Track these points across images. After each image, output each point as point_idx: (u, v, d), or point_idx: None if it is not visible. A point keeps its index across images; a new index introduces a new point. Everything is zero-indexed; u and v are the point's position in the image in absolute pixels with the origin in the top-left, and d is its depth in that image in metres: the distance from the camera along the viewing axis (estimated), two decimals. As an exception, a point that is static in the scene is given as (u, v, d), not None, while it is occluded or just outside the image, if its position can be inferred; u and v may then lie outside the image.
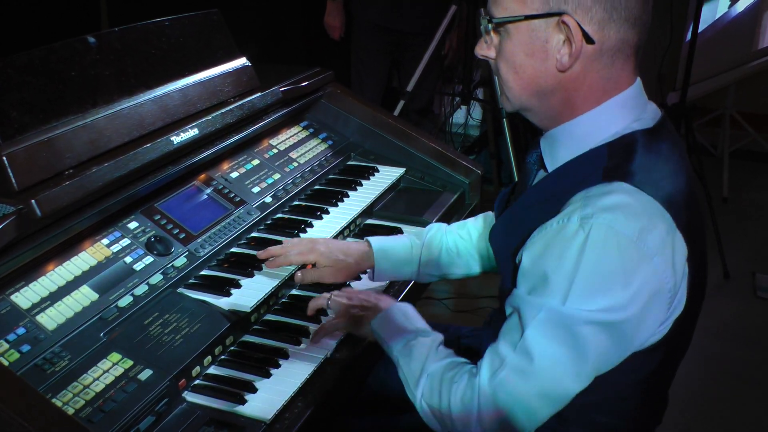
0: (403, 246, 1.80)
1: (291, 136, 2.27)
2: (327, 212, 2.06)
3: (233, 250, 1.85)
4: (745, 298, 3.81)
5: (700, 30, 3.87)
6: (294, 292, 1.83)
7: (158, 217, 1.76)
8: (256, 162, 2.09)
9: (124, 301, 1.55)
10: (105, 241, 1.63)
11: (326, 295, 1.68)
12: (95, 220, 1.62)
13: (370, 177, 2.28)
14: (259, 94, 2.06)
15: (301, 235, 1.94)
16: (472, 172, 2.34)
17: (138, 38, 1.85)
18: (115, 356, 1.43)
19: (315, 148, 2.29)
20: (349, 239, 2.04)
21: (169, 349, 1.48)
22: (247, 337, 1.65)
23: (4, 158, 1.45)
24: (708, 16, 4.29)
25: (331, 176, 2.26)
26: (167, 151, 1.74)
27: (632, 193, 1.22)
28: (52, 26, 3.48)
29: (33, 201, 1.43)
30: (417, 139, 2.35)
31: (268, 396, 1.46)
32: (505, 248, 1.40)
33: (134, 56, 1.82)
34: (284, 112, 2.20)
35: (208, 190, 1.91)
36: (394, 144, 2.37)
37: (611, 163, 1.27)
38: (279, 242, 1.81)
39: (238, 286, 1.70)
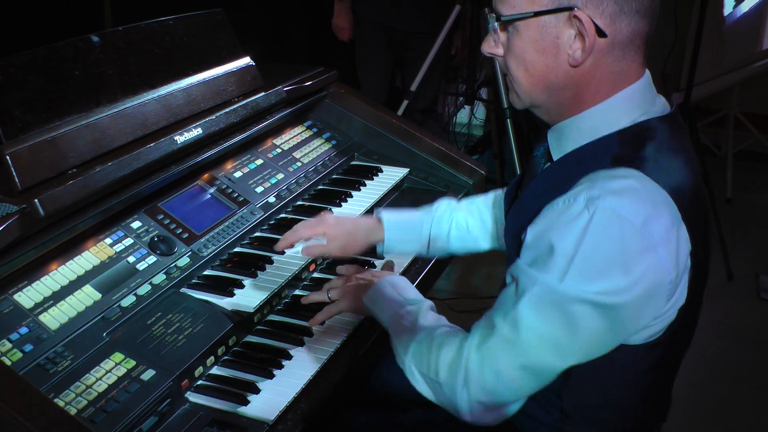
0: (413, 221, 1.82)
1: (295, 136, 2.27)
2: (330, 212, 2.05)
3: (236, 250, 1.85)
4: (748, 300, 3.79)
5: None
6: (297, 292, 1.83)
7: (161, 216, 1.76)
8: (259, 162, 2.09)
9: (127, 301, 1.55)
10: (108, 240, 1.63)
11: (326, 286, 1.70)
12: (98, 219, 1.62)
13: (374, 177, 2.27)
14: (262, 93, 2.06)
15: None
16: (475, 172, 2.33)
17: (142, 37, 1.84)
18: (117, 356, 1.43)
19: (319, 147, 2.29)
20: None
21: (172, 349, 1.48)
22: (250, 338, 1.65)
23: (8, 157, 1.45)
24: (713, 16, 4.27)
25: (334, 176, 2.26)
26: (171, 150, 1.74)
27: (640, 179, 1.21)
28: (55, 25, 3.48)
29: (36, 200, 1.43)
30: (421, 139, 2.35)
31: (271, 397, 1.46)
32: (513, 233, 1.39)
33: (138, 55, 1.81)
34: (288, 112, 2.19)
35: (212, 190, 1.91)
36: (398, 144, 2.36)
37: (622, 150, 1.26)
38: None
39: (241, 286, 1.70)
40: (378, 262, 1.90)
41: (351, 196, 2.15)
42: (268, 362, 1.55)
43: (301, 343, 1.62)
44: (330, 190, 2.18)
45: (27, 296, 1.44)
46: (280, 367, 1.54)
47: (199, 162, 1.86)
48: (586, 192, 1.21)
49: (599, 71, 1.28)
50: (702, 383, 3.10)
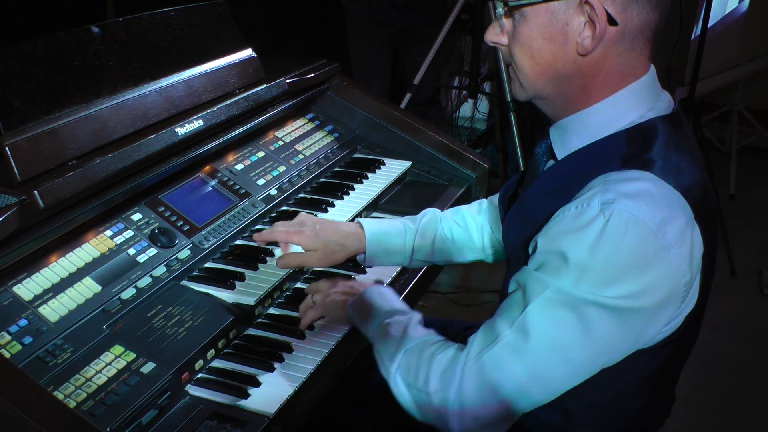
0: (396, 232, 1.74)
1: (297, 128, 2.26)
2: (332, 205, 2.05)
3: (237, 242, 1.84)
4: (751, 296, 3.79)
5: (709, 25, 3.84)
6: (298, 285, 1.82)
7: (162, 209, 1.75)
8: (261, 154, 2.08)
9: (127, 294, 1.54)
10: (108, 232, 1.62)
11: (309, 288, 1.67)
12: (99, 211, 1.61)
13: (376, 170, 2.26)
14: (264, 85, 2.05)
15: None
16: (478, 165, 2.32)
17: (143, 28, 1.83)
18: (117, 349, 1.42)
19: (321, 140, 2.28)
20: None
21: (172, 342, 1.47)
22: (251, 331, 1.64)
23: (7, 148, 1.44)
24: (718, 11, 4.25)
25: (336, 169, 2.25)
26: (172, 142, 1.72)
27: (654, 181, 1.19)
28: (56, 15, 3.47)
29: (36, 192, 1.42)
30: (424, 132, 2.34)
31: (272, 390, 1.45)
32: (517, 241, 1.36)
33: (139, 46, 1.80)
34: (290, 104, 2.18)
35: (213, 182, 1.90)
36: (401, 137, 2.35)
37: (630, 150, 1.24)
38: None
39: (242, 278, 1.69)
40: (359, 277, 1.83)
41: (353, 189, 2.14)
42: (269, 355, 1.54)
43: (302, 336, 1.61)
44: (332, 183, 2.17)
45: (26, 288, 1.43)
46: (281, 360, 1.53)
47: (201, 154, 1.85)
48: (600, 196, 1.18)
49: (607, 62, 1.26)
50: (704, 379, 3.09)
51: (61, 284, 1.48)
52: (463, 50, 4.46)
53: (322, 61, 2.35)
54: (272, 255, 1.77)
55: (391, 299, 1.51)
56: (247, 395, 1.43)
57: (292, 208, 2.02)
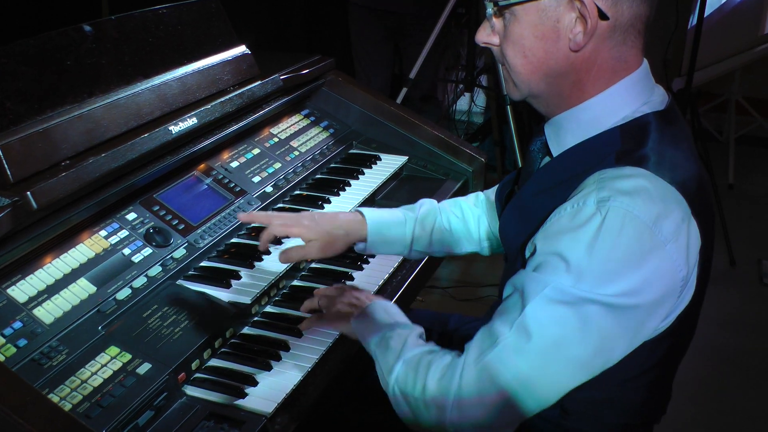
0: (397, 221, 1.73)
1: (292, 125, 2.25)
2: (329, 201, 2.04)
3: (233, 240, 1.83)
4: (751, 286, 3.78)
5: (706, 15, 3.83)
6: (295, 283, 1.81)
7: (157, 208, 1.74)
8: (256, 151, 2.07)
9: (123, 294, 1.53)
10: (103, 232, 1.61)
11: (318, 291, 1.65)
12: (93, 211, 1.60)
13: (372, 165, 2.25)
14: (259, 82, 2.04)
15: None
16: (475, 159, 2.31)
17: (135, 26, 1.82)
18: (113, 350, 1.41)
19: (316, 136, 2.27)
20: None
21: (169, 342, 1.46)
22: (248, 329, 1.63)
23: (-1, 149, 1.43)
24: (714, 0, 4.24)
25: (332, 165, 2.24)
26: (165, 140, 1.71)
27: (649, 177, 1.19)
28: (49, 14, 3.45)
29: (28, 193, 1.41)
30: (420, 126, 2.33)
31: (269, 389, 1.44)
32: (516, 239, 1.36)
33: (131, 45, 1.79)
34: (285, 101, 2.17)
35: (208, 180, 1.89)
36: (397, 132, 2.34)
37: (625, 146, 1.24)
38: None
39: (238, 277, 1.68)
40: (356, 274, 1.83)
41: (349, 185, 2.13)
42: (266, 354, 1.53)
43: (299, 335, 1.60)
44: (328, 179, 2.16)
45: (20, 290, 1.42)
46: (279, 359, 1.53)
47: (195, 152, 1.84)
48: (596, 194, 1.18)
49: (600, 56, 1.26)
50: (703, 370, 3.08)
51: (56, 285, 1.47)
52: (459, 44, 4.45)
53: (316, 56, 2.34)
54: (268, 253, 1.76)
55: (395, 314, 1.49)
56: (244, 395, 1.42)
57: (288, 206, 2.01)
